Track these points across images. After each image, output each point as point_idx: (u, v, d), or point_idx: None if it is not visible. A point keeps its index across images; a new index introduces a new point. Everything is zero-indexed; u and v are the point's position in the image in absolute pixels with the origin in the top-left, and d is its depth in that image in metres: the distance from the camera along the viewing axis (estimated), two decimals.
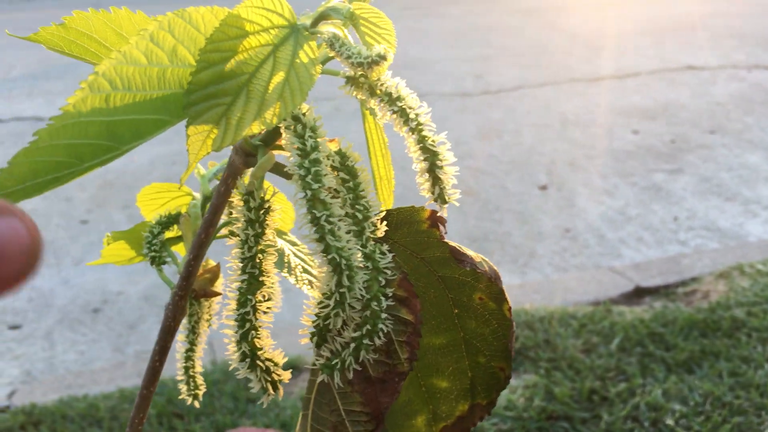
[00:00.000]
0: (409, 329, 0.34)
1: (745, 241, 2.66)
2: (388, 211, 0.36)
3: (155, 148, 3.72)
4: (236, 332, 0.35)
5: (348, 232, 0.32)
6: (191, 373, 0.50)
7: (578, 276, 2.34)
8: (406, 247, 0.37)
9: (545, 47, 5.94)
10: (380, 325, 0.32)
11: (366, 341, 0.32)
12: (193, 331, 0.49)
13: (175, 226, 0.48)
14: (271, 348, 0.36)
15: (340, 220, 0.31)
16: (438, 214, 0.36)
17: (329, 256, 0.30)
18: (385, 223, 0.35)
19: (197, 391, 0.50)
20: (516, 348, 1.79)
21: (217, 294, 0.45)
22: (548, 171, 3.45)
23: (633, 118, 4.08)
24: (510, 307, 0.39)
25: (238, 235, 0.35)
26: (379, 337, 0.33)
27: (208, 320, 0.50)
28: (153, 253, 0.46)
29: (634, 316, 1.91)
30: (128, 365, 1.95)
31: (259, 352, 0.35)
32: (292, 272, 0.43)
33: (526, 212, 3.01)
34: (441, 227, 0.36)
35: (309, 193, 0.30)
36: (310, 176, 0.30)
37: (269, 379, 0.36)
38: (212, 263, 0.46)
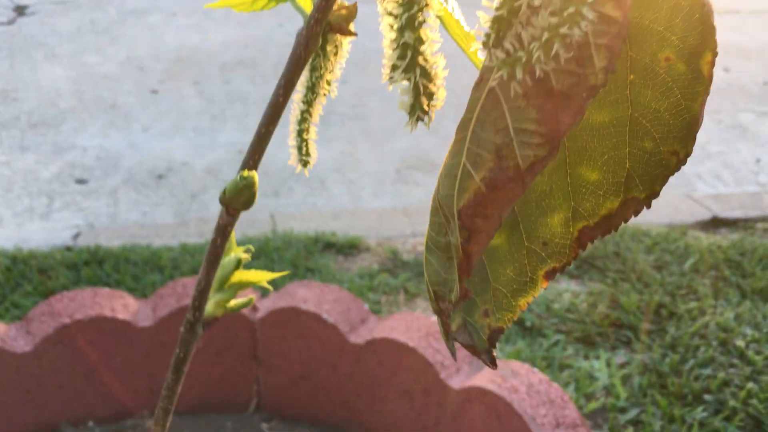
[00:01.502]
0: (613, 29, 0.28)
1: None
2: None
3: (229, 30, 3.68)
4: (400, 19, 0.30)
5: None
6: (304, 137, 0.46)
7: (653, 201, 2.25)
8: None
9: None
10: (585, 12, 0.27)
11: (563, 30, 0.27)
12: (312, 90, 0.45)
13: None
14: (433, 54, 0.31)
15: None
16: None
17: None
18: None
19: (308, 159, 0.47)
20: (582, 256, 1.73)
21: (352, 34, 0.41)
22: None
23: (726, 55, 3.85)
24: (711, 61, 0.33)
25: None
26: (580, 28, 0.27)
27: (329, 83, 0.45)
28: None
29: (710, 242, 1.83)
30: (191, 225, 1.97)
31: (421, 48, 0.30)
32: None
33: None
34: None
35: None
36: None
37: (425, 90, 0.31)
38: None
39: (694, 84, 0.34)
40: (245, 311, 1.16)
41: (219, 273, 0.48)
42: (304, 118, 0.45)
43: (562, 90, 0.29)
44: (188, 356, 0.49)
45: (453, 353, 0.40)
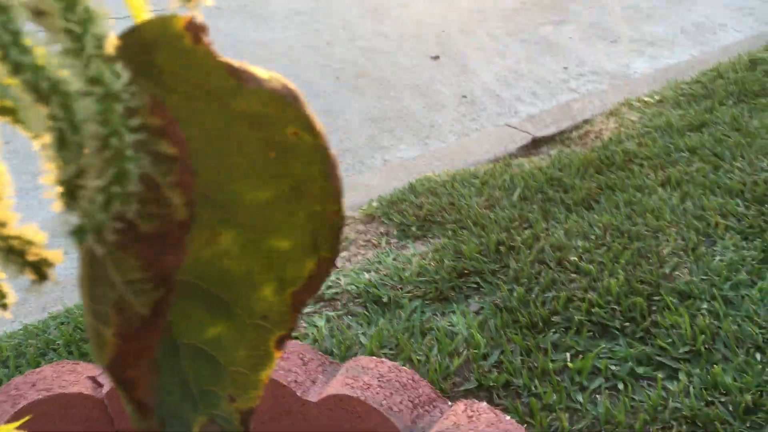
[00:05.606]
0: (177, 166, 0.28)
1: (632, 78, 2.71)
2: (132, 28, 0.29)
3: None
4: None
5: (64, 53, 0.25)
6: None
7: (477, 137, 2.33)
8: (181, 79, 0.30)
9: None
10: (130, 167, 0.26)
11: (116, 189, 0.26)
12: None
13: None
14: (21, 222, 0.30)
15: (55, 38, 0.24)
16: (195, 21, 0.29)
17: (24, 78, 0.23)
18: (132, 44, 0.28)
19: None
20: (422, 215, 1.78)
21: None
22: (439, 41, 3.38)
23: None
24: (323, 137, 0.34)
25: None
26: (133, 182, 0.26)
27: None
28: None
29: (532, 165, 1.93)
30: (31, 300, 1.85)
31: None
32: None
33: (422, 84, 2.96)
34: (204, 37, 0.29)
35: None
36: None
37: (25, 260, 0.29)
38: None
39: (325, 152, 0.35)
40: None
41: None
42: None
43: (153, 233, 0.29)
44: None
45: None
